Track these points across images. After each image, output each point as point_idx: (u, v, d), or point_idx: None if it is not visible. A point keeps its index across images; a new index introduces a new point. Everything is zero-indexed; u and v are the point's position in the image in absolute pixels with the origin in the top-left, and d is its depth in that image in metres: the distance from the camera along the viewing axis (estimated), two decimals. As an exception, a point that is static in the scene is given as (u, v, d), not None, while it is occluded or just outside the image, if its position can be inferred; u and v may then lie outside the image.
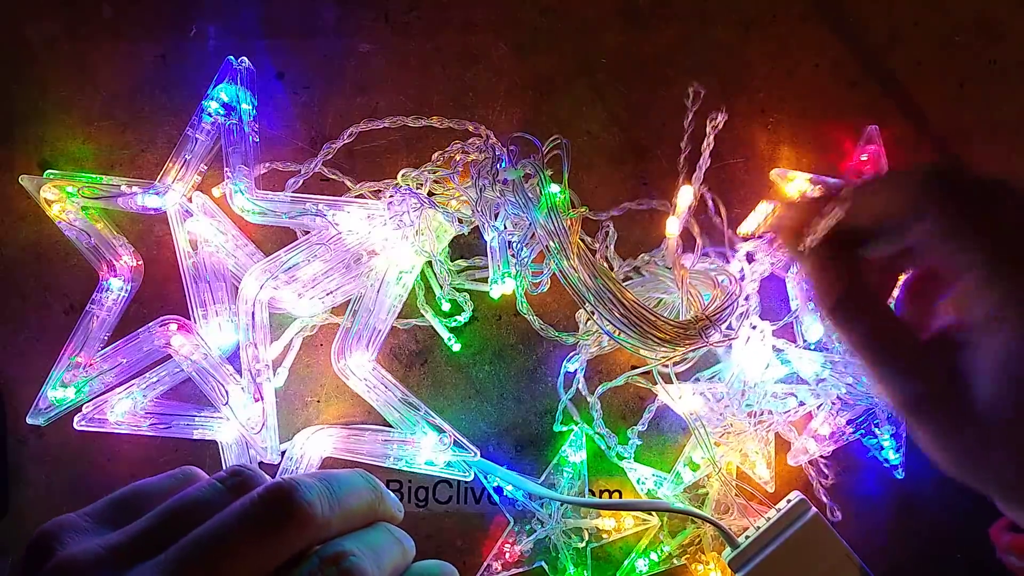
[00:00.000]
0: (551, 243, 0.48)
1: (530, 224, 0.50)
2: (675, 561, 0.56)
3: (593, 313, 0.48)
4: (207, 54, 0.59)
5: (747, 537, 0.51)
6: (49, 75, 0.59)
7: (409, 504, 0.57)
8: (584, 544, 0.56)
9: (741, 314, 0.53)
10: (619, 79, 0.59)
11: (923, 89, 0.59)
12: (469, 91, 0.59)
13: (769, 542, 0.50)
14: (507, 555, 0.56)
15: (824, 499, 0.55)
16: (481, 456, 0.56)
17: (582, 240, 0.50)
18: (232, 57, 0.56)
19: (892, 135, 0.58)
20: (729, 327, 0.51)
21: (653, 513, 0.56)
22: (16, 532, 0.57)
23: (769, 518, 0.51)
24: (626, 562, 0.56)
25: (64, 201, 0.55)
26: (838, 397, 0.54)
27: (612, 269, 0.56)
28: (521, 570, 0.56)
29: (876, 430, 0.55)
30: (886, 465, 0.56)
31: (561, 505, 0.56)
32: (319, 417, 0.58)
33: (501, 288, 0.52)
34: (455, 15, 0.60)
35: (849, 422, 0.55)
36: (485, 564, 0.56)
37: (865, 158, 0.57)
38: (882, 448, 0.55)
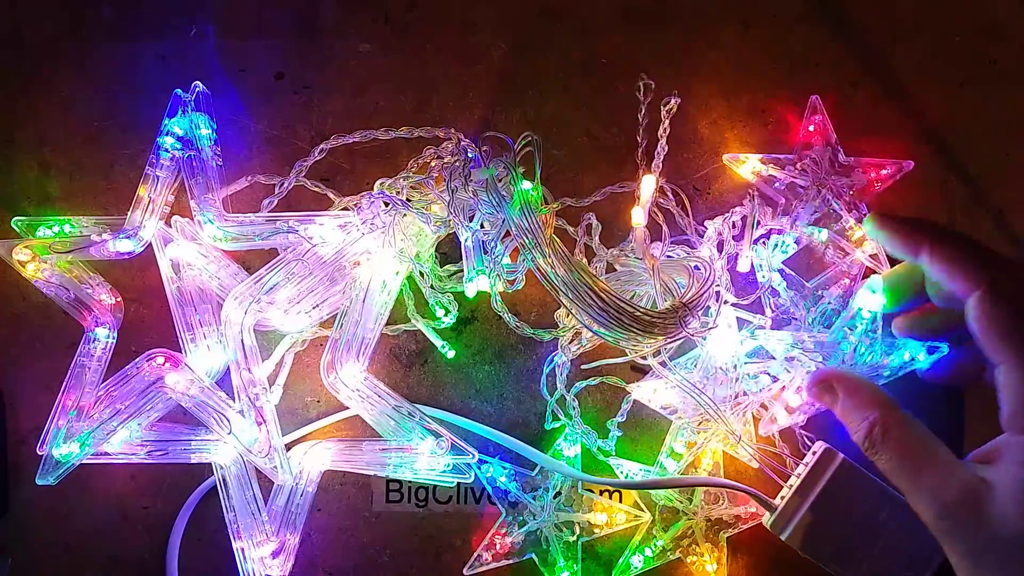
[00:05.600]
0: (525, 239, 0.48)
1: (503, 222, 0.50)
2: (669, 555, 0.56)
3: (571, 308, 0.48)
4: (207, 54, 0.59)
5: (782, 498, 0.50)
6: (49, 75, 0.59)
7: (409, 504, 0.57)
8: (575, 538, 0.56)
9: (715, 293, 0.52)
10: (619, 79, 0.59)
11: (923, 89, 0.59)
12: (469, 91, 0.59)
13: (804, 497, 0.49)
14: (498, 546, 0.56)
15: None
16: (480, 457, 0.56)
17: (563, 232, 0.49)
18: (179, 91, 0.56)
19: (892, 135, 0.58)
20: (706, 315, 0.50)
21: (644, 508, 0.56)
22: (16, 532, 0.57)
23: (799, 474, 0.50)
24: (621, 559, 0.56)
25: (37, 260, 0.55)
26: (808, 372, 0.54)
27: (594, 258, 0.56)
28: (511, 562, 0.56)
29: None
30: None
31: (554, 498, 0.56)
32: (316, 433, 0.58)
33: (475, 286, 0.52)
34: (455, 15, 0.60)
35: None
36: (476, 554, 0.56)
37: (812, 129, 0.57)
38: None
